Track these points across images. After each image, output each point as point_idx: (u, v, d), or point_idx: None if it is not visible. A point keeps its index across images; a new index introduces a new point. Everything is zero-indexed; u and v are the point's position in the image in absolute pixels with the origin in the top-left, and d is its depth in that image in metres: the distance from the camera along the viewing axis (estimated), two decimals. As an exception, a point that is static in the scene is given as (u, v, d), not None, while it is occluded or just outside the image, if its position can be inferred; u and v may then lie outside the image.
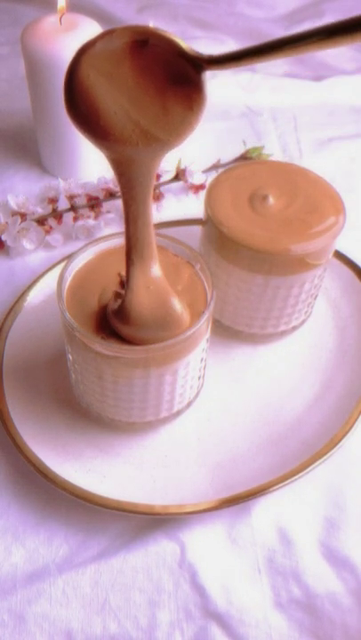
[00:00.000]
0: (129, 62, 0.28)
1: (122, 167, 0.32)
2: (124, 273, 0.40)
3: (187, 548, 0.40)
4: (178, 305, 0.38)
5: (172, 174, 0.63)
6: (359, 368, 0.48)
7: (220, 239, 0.45)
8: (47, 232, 0.58)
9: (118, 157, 0.31)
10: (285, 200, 0.45)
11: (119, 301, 0.38)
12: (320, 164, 0.68)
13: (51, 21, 0.57)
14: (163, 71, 0.28)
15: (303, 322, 0.51)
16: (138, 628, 0.38)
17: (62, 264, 0.50)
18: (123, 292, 0.39)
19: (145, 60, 0.28)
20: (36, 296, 0.53)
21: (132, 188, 0.33)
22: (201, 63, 0.27)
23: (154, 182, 0.34)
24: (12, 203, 0.57)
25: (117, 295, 0.39)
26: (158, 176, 0.62)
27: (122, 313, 0.38)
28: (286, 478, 0.41)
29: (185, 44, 0.27)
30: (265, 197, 0.45)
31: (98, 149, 0.31)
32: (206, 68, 0.27)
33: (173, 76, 0.28)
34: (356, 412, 0.45)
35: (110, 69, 0.28)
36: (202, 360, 0.43)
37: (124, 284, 0.40)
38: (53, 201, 0.59)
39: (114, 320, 0.38)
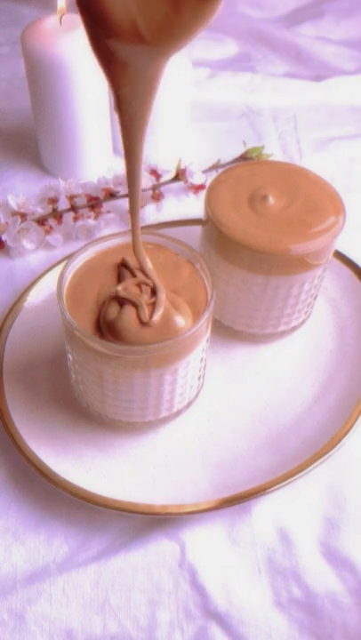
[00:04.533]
0: None
1: (121, 80, 0.29)
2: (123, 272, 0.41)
3: (187, 548, 0.40)
4: (181, 319, 0.38)
5: (172, 174, 0.63)
6: (359, 368, 0.48)
7: (220, 239, 0.45)
8: (47, 232, 0.58)
9: (119, 75, 0.28)
10: (285, 200, 0.45)
11: (114, 311, 0.38)
12: (320, 164, 0.68)
13: (51, 21, 0.57)
14: None
15: (303, 322, 0.51)
16: (138, 628, 0.38)
17: (62, 264, 0.50)
18: (117, 291, 0.38)
19: None
20: (36, 296, 0.53)
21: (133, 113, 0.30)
22: None
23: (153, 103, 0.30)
24: (12, 203, 0.57)
25: (112, 300, 0.38)
26: (158, 176, 0.62)
27: (116, 331, 0.37)
28: (286, 478, 0.42)
29: None
30: (265, 197, 0.45)
31: (98, 65, 0.28)
32: None
33: None
34: (356, 411, 0.45)
35: None
36: (202, 360, 0.43)
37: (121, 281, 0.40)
38: (53, 201, 0.59)
39: (109, 335, 0.38)
